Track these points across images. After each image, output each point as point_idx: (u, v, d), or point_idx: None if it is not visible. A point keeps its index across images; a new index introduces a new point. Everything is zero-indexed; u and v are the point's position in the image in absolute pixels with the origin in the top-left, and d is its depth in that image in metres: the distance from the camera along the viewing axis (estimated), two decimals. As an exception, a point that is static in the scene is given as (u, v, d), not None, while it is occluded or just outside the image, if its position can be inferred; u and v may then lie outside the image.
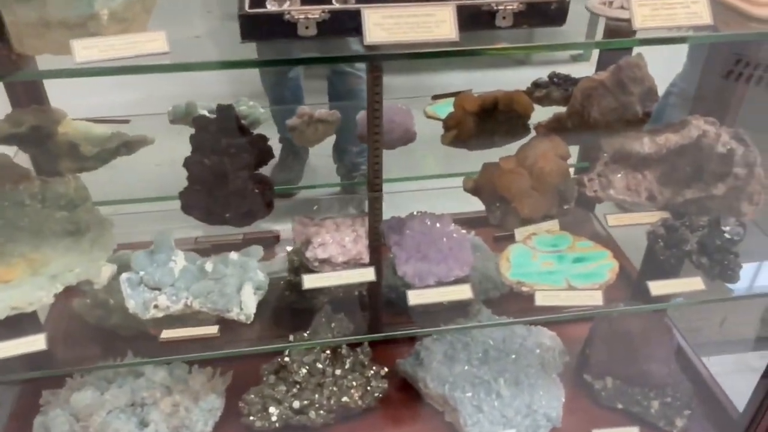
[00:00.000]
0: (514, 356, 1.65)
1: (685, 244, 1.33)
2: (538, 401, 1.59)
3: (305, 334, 1.58)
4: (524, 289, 1.28)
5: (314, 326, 1.59)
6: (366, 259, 1.31)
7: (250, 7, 0.92)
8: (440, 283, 1.28)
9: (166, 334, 1.15)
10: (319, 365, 1.56)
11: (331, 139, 1.97)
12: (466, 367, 1.63)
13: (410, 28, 0.90)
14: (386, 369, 1.65)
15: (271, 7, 0.92)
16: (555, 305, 1.24)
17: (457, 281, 1.29)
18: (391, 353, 1.72)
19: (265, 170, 2.70)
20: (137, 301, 1.14)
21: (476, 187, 1.46)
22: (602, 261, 1.33)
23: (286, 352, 1.58)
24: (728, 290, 1.28)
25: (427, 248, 1.31)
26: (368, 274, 1.29)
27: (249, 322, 1.18)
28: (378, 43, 0.89)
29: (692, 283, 1.27)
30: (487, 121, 1.55)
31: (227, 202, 1.37)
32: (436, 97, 1.93)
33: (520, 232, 1.40)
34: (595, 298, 1.24)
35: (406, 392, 1.67)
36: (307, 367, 1.56)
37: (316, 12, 0.92)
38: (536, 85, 1.86)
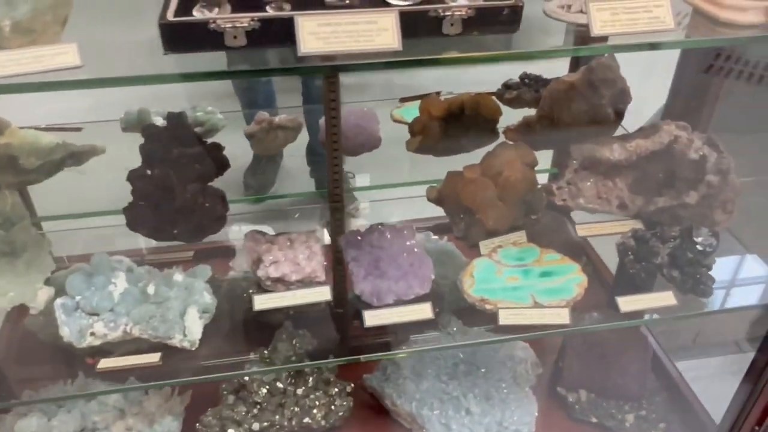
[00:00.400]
0: (484, 370, 1.58)
1: (655, 257, 1.26)
2: (510, 417, 1.52)
3: (265, 352, 1.50)
4: (487, 306, 1.20)
5: (275, 343, 1.51)
6: (321, 276, 1.23)
7: (175, 15, 0.84)
8: (400, 302, 1.20)
9: (105, 363, 1.06)
10: (280, 384, 1.48)
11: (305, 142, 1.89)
12: (435, 383, 1.55)
13: (349, 37, 0.82)
14: (352, 385, 1.57)
15: (197, 14, 0.83)
16: (519, 324, 1.16)
17: (418, 299, 1.21)
18: (358, 367, 1.64)
19: (237, 175, 2.62)
20: (72, 329, 1.06)
21: (440, 197, 1.38)
22: (570, 275, 1.25)
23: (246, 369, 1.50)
24: (702, 303, 1.21)
25: (386, 265, 1.23)
26: (324, 293, 1.21)
27: (193, 349, 1.10)
28: (313, 53, 0.81)
29: (663, 298, 1.20)
30: (454, 125, 1.47)
31: (174, 218, 1.29)
32: (403, 100, 1.85)
33: (485, 245, 1.33)
34: (562, 317, 1.17)
35: (373, 409, 1.59)
36: (267, 387, 1.48)
37: (245, 20, 0.83)
38: (506, 86, 1.78)
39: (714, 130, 1.40)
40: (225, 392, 1.50)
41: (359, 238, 1.28)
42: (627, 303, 1.19)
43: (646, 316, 1.26)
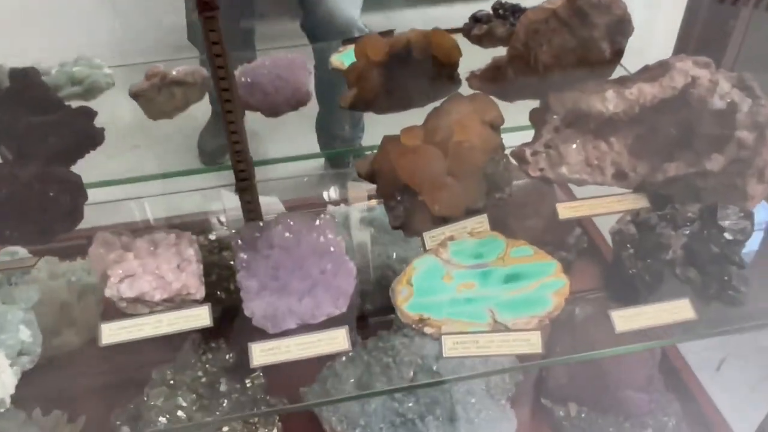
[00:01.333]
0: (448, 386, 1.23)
1: (665, 251, 0.88)
2: (478, 442, 1.18)
3: (168, 372, 1.16)
4: (428, 330, 0.83)
5: (180, 358, 1.17)
6: (197, 293, 0.87)
7: None
8: (305, 327, 0.83)
9: None
10: (182, 414, 1.13)
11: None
12: (386, 401, 1.20)
13: None
14: (286, 402, 1.23)
15: None
16: (469, 355, 0.80)
17: (332, 321, 0.85)
18: (299, 373, 1.30)
19: (192, 137, 2.22)
20: None
21: (372, 171, 1.00)
22: (545, 278, 0.88)
23: (145, 394, 1.16)
24: (733, 315, 0.84)
25: (287, 274, 0.86)
26: (201, 318, 0.85)
27: (2, 410, 0.75)
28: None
29: (677, 310, 0.83)
30: (400, 73, 1.08)
31: (5, 213, 0.92)
32: (347, 42, 1.45)
33: (430, 237, 0.95)
34: (532, 344, 0.80)
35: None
36: (167, 416, 1.13)
37: None
38: (475, 19, 1.38)
39: (742, 69, 0.99)
40: (117, 423, 1.16)
41: (257, 234, 0.91)
42: (624, 319, 0.82)
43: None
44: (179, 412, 1.14)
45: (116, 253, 0.87)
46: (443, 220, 0.95)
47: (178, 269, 0.86)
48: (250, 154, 1.05)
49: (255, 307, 0.84)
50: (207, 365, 1.16)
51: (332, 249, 0.89)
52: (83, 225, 0.95)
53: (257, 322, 0.83)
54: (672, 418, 1.22)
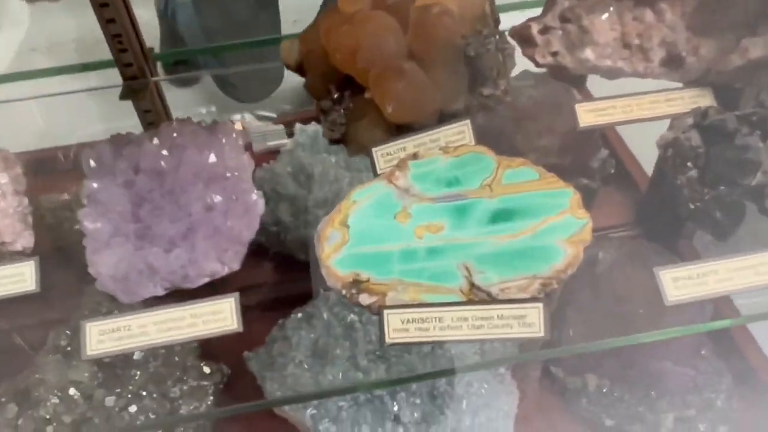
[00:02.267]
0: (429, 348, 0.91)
1: (749, 173, 0.53)
2: (469, 424, 0.87)
3: (64, 336, 0.87)
4: (364, 299, 0.51)
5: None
6: (20, 242, 0.55)
7: None
8: (176, 293, 0.52)
9: None
10: (74, 392, 0.84)
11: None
12: (348, 371, 0.90)
13: None
14: (226, 369, 0.93)
15: None
16: (426, 340, 0.47)
17: (217, 285, 0.53)
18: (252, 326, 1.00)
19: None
20: None
21: (301, 58, 0.66)
22: (554, 216, 0.54)
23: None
24: None
25: (154, 212, 0.53)
26: (24, 279, 0.54)
27: None
28: None
29: (762, 266, 0.49)
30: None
31: None
32: None
33: (383, 155, 0.61)
34: (529, 323, 0.47)
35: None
36: (59, 394, 0.85)
37: None
38: None
39: None
40: (3, 399, 0.88)
41: (120, 153, 0.58)
42: (680, 283, 0.49)
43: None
44: (72, 390, 0.85)
45: None
46: (401, 129, 0.61)
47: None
48: (143, 41, 0.72)
49: (101, 263, 0.52)
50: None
51: (228, 175, 0.56)
52: None
53: (104, 285, 0.52)
54: (721, 395, 0.90)
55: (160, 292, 0.51)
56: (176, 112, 0.98)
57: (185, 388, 0.91)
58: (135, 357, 0.87)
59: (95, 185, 0.55)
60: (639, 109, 0.63)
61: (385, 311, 0.48)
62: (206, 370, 0.94)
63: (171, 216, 0.53)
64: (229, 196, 0.54)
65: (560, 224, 0.53)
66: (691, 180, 0.55)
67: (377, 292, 0.50)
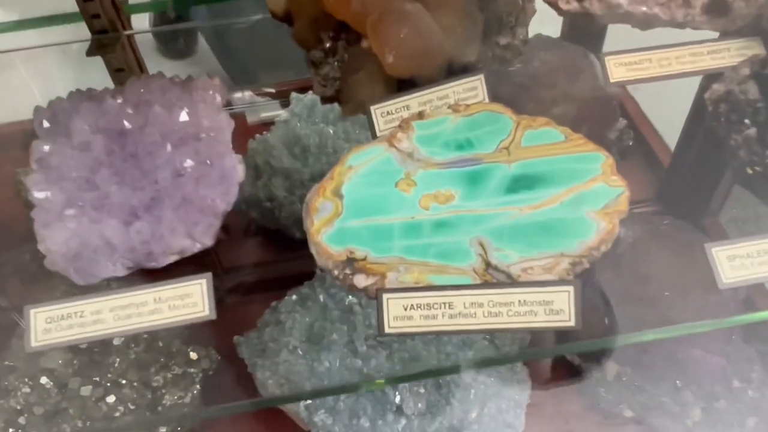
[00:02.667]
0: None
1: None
2: (476, 415, 0.79)
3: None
4: (360, 281, 0.42)
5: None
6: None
7: None
8: (141, 273, 0.43)
9: None
10: (46, 380, 0.76)
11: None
12: (345, 358, 0.82)
13: None
14: (215, 355, 0.85)
15: None
16: (434, 330, 0.39)
17: (191, 263, 0.44)
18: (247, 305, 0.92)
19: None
20: None
21: (288, 4, 0.56)
22: (585, 183, 0.46)
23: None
24: None
25: (113, 177, 0.45)
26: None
27: None
28: None
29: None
30: None
31: None
32: None
33: (383, 114, 0.52)
34: (557, 310, 0.38)
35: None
36: (29, 383, 0.77)
37: None
38: None
39: None
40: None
41: (78, 110, 0.49)
42: (737, 262, 0.40)
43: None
44: (44, 379, 0.77)
45: None
46: (404, 84, 0.52)
47: None
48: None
49: (52, 239, 0.43)
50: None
51: (203, 136, 0.47)
52: None
53: (55, 264, 0.43)
54: (752, 384, 0.81)
55: (121, 272, 0.42)
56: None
57: (170, 375, 0.83)
58: (115, 342, 0.79)
59: (46, 148, 0.47)
60: (678, 62, 0.54)
61: (384, 295, 0.39)
62: (193, 356, 0.86)
63: (133, 183, 0.44)
64: (202, 161, 0.45)
65: (591, 193, 0.45)
66: (749, 139, 0.46)
67: (375, 273, 0.42)
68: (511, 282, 0.40)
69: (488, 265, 0.42)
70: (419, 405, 0.80)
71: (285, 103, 1.04)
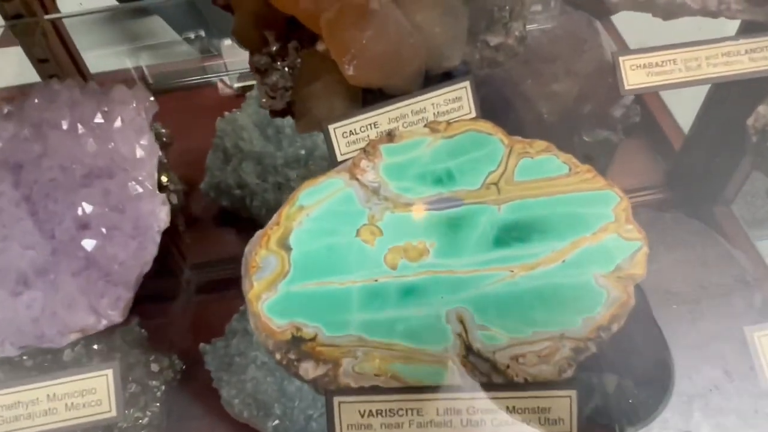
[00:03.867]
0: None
1: None
2: None
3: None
4: (307, 369, 0.33)
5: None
6: None
7: None
8: (36, 353, 0.33)
9: None
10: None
11: None
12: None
13: None
14: (179, 363, 0.77)
15: None
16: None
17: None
18: (219, 308, 0.83)
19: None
20: None
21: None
22: (594, 234, 0.35)
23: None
24: None
25: (1, 225, 0.34)
26: None
27: None
28: None
29: None
30: None
31: None
32: None
33: (344, 134, 0.42)
34: (555, 419, 0.29)
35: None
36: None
37: None
38: None
39: None
40: None
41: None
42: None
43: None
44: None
45: None
46: (371, 95, 0.41)
47: None
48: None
49: None
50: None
51: (116, 171, 0.36)
52: None
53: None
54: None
55: (12, 352, 0.33)
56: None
57: (127, 394, 0.74)
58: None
59: None
60: (709, 64, 0.43)
61: (336, 399, 0.30)
62: (154, 367, 0.77)
63: (24, 238, 0.34)
64: (114, 206, 0.35)
65: (600, 248, 0.35)
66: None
67: (327, 359, 0.33)
68: (498, 384, 0.30)
69: (469, 349, 0.32)
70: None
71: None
